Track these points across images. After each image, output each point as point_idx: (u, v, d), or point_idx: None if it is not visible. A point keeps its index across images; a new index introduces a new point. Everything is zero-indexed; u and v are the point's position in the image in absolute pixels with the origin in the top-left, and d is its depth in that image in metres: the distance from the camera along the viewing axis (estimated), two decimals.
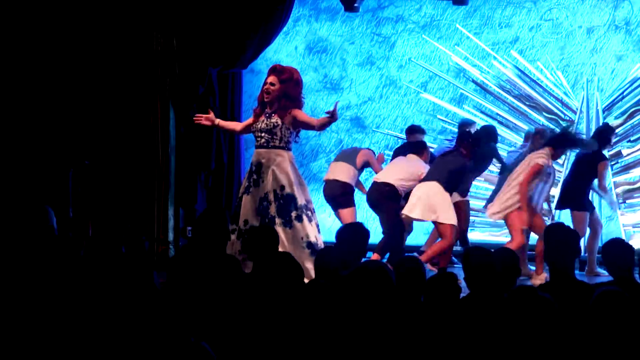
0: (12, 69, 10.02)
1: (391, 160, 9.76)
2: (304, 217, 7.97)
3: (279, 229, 7.77)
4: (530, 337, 3.80)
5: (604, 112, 10.79)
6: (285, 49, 12.04)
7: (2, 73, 10.03)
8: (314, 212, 8.14)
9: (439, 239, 9.09)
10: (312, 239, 7.90)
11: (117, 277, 4.51)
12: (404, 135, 10.54)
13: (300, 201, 7.98)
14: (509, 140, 11.22)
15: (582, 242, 9.45)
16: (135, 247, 6.36)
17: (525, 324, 3.79)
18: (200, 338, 3.90)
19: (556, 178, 10.53)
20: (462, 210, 9.39)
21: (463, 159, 8.94)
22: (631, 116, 10.79)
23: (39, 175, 9.95)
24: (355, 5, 10.56)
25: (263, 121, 8.10)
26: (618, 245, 5.26)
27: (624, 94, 10.87)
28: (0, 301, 4.67)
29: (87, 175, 9.98)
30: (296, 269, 4.79)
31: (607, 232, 10.03)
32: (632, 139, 10.80)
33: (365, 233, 6.41)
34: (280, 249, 7.22)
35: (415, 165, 9.29)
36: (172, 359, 3.22)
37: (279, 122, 8.00)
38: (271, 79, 8.09)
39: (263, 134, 8.06)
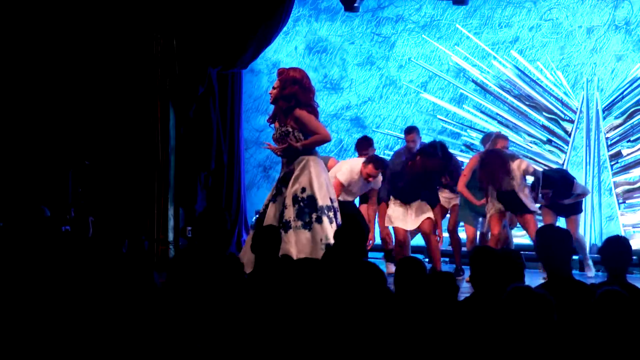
0: (13, 69, 10.04)
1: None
2: (325, 218, 7.64)
3: (298, 232, 7.60)
4: (529, 336, 3.81)
5: (603, 112, 10.78)
6: (285, 49, 12.04)
7: (3, 74, 10.04)
8: (338, 212, 7.81)
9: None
10: (332, 240, 7.43)
11: (117, 277, 4.52)
12: (403, 135, 10.49)
13: (322, 202, 7.67)
14: (509, 141, 11.19)
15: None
16: (135, 247, 6.36)
17: (523, 322, 3.80)
18: (200, 337, 3.90)
19: None
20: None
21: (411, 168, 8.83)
22: (631, 116, 10.78)
23: (39, 175, 9.96)
24: (355, 5, 10.56)
25: (277, 129, 7.86)
26: (617, 244, 5.23)
27: (624, 94, 10.85)
28: (1, 300, 4.68)
29: (87, 175, 9.98)
30: (298, 272, 4.79)
31: (607, 232, 10.03)
32: (632, 139, 10.79)
33: (364, 231, 6.39)
34: (299, 252, 7.19)
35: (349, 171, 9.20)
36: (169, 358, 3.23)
37: (288, 128, 7.72)
38: (275, 82, 7.90)
39: (279, 144, 7.84)
